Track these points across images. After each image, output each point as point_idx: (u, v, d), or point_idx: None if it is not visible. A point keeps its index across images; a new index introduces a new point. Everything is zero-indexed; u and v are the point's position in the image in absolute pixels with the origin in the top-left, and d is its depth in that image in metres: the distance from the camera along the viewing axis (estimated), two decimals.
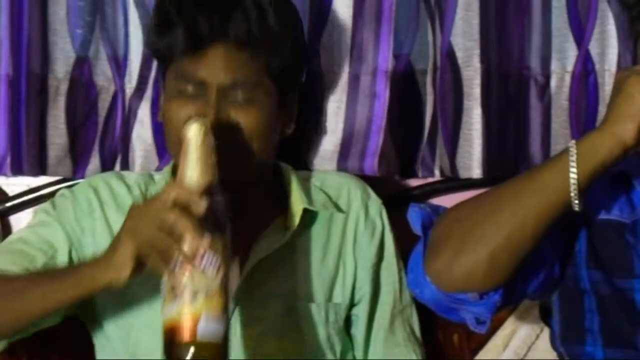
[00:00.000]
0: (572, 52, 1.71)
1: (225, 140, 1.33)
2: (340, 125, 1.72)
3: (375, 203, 1.56)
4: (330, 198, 1.53)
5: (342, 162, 1.71)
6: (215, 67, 1.40)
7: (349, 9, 1.71)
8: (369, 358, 1.54)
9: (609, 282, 1.37)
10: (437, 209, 1.38)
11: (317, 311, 1.48)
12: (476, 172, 1.69)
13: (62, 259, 1.46)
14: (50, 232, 1.48)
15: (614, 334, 1.37)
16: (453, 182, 1.74)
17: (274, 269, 1.47)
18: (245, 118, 1.41)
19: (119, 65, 1.73)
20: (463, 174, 1.70)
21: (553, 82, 1.73)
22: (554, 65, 1.72)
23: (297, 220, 1.48)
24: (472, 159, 1.69)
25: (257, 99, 1.42)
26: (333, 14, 1.71)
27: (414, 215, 1.37)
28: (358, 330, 1.55)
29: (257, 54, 1.42)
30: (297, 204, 1.49)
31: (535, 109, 1.72)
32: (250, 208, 1.48)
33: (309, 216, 1.50)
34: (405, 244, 1.61)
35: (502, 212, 1.25)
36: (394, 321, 1.55)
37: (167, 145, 1.49)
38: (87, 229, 1.48)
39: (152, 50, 1.53)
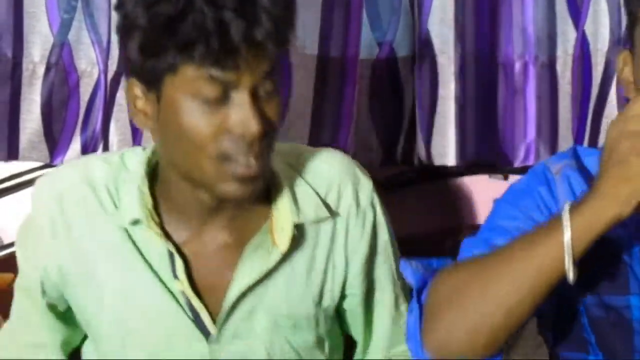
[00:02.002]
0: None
1: (262, 137, 1.27)
2: (309, 111, 1.77)
3: (366, 190, 1.48)
4: (320, 197, 1.45)
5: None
6: (245, 69, 1.26)
7: None
8: (375, 339, 1.52)
9: (602, 304, 1.37)
10: (429, 266, 1.36)
11: (305, 322, 1.44)
12: (450, 160, 1.75)
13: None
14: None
15: (611, 353, 1.37)
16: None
17: (259, 284, 1.41)
18: (273, 110, 1.32)
19: (103, 49, 1.74)
20: (438, 161, 1.76)
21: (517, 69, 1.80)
22: (522, 53, 1.80)
23: (286, 241, 1.38)
24: (446, 147, 1.75)
25: (277, 86, 1.32)
26: None
27: (407, 275, 1.35)
28: (356, 320, 1.52)
29: (278, 46, 1.29)
30: (286, 215, 1.39)
31: (509, 97, 1.79)
32: (242, 219, 1.40)
33: (300, 231, 1.41)
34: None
35: (500, 284, 1.25)
36: (398, 299, 1.52)
37: (178, 157, 1.34)
38: (51, 261, 1.41)
39: (147, 52, 1.30)
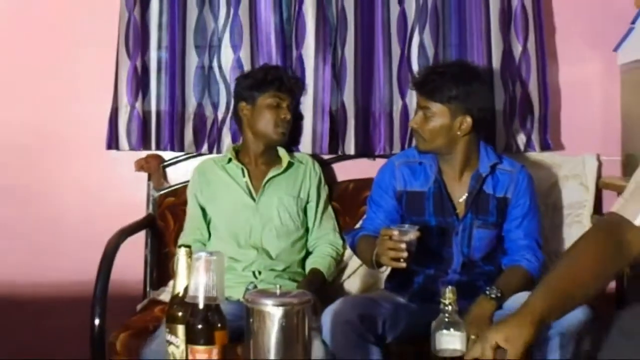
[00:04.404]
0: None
1: (289, 120, 3.73)
2: (310, 134, 3.95)
3: (318, 164, 3.87)
4: (299, 160, 3.82)
5: (314, 149, 3.88)
6: (286, 96, 3.72)
7: (312, 80, 3.93)
8: (314, 229, 3.73)
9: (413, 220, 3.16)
10: (355, 234, 3.33)
11: (293, 200, 3.75)
12: (352, 151, 3.92)
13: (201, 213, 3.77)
14: (192, 206, 3.76)
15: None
16: (348, 156, 4.11)
17: (275, 182, 3.74)
18: (290, 115, 3.71)
19: (215, 107, 3.99)
20: (346, 152, 3.93)
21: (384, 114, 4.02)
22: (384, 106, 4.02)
23: (285, 164, 3.66)
24: (350, 145, 3.94)
25: (293, 113, 3.79)
26: (307, 85, 3.93)
27: (347, 240, 3.45)
28: (311, 213, 3.83)
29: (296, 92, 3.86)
30: (285, 158, 3.67)
31: (375, 126, 4.01)
32: (270, 159, 3.80)
33: (290, 164, 3.77)
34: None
35: (362, 259, 3.40)
36: (322, 217, 3.83)
37: (257, 130, 3.74)
38: (199, 192, 3.68)
39: (253, 88, 3.71)
